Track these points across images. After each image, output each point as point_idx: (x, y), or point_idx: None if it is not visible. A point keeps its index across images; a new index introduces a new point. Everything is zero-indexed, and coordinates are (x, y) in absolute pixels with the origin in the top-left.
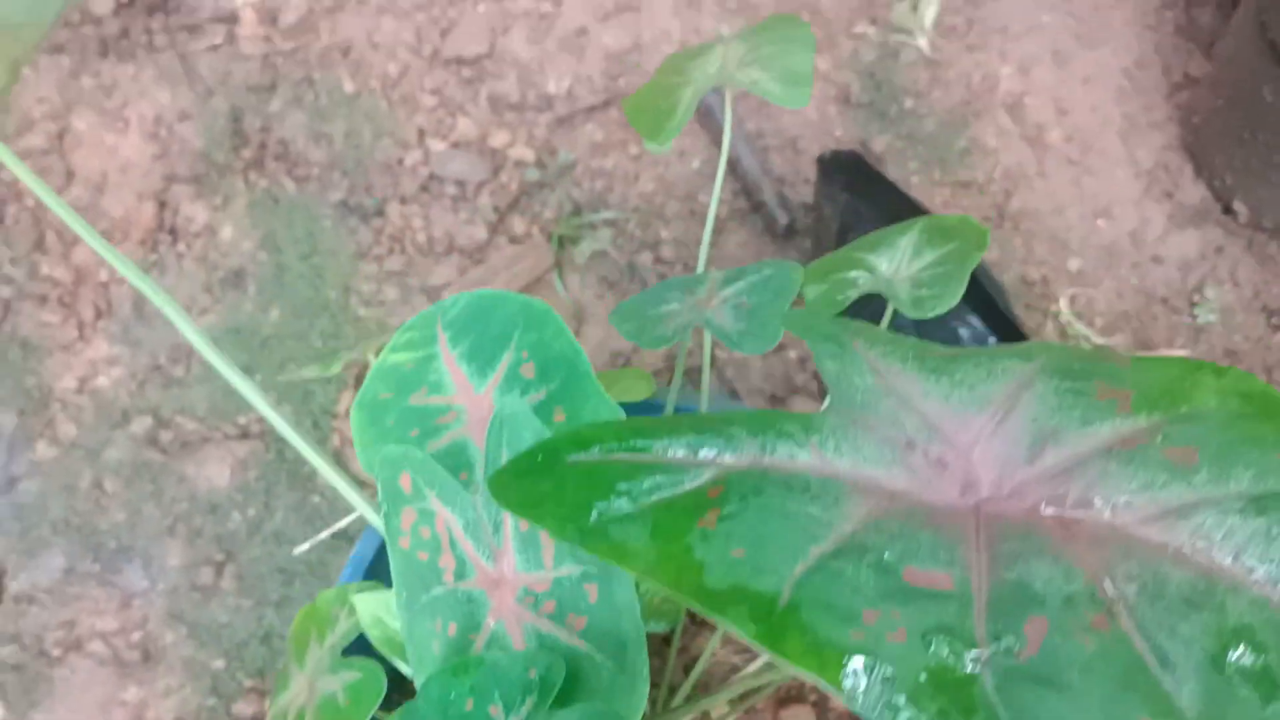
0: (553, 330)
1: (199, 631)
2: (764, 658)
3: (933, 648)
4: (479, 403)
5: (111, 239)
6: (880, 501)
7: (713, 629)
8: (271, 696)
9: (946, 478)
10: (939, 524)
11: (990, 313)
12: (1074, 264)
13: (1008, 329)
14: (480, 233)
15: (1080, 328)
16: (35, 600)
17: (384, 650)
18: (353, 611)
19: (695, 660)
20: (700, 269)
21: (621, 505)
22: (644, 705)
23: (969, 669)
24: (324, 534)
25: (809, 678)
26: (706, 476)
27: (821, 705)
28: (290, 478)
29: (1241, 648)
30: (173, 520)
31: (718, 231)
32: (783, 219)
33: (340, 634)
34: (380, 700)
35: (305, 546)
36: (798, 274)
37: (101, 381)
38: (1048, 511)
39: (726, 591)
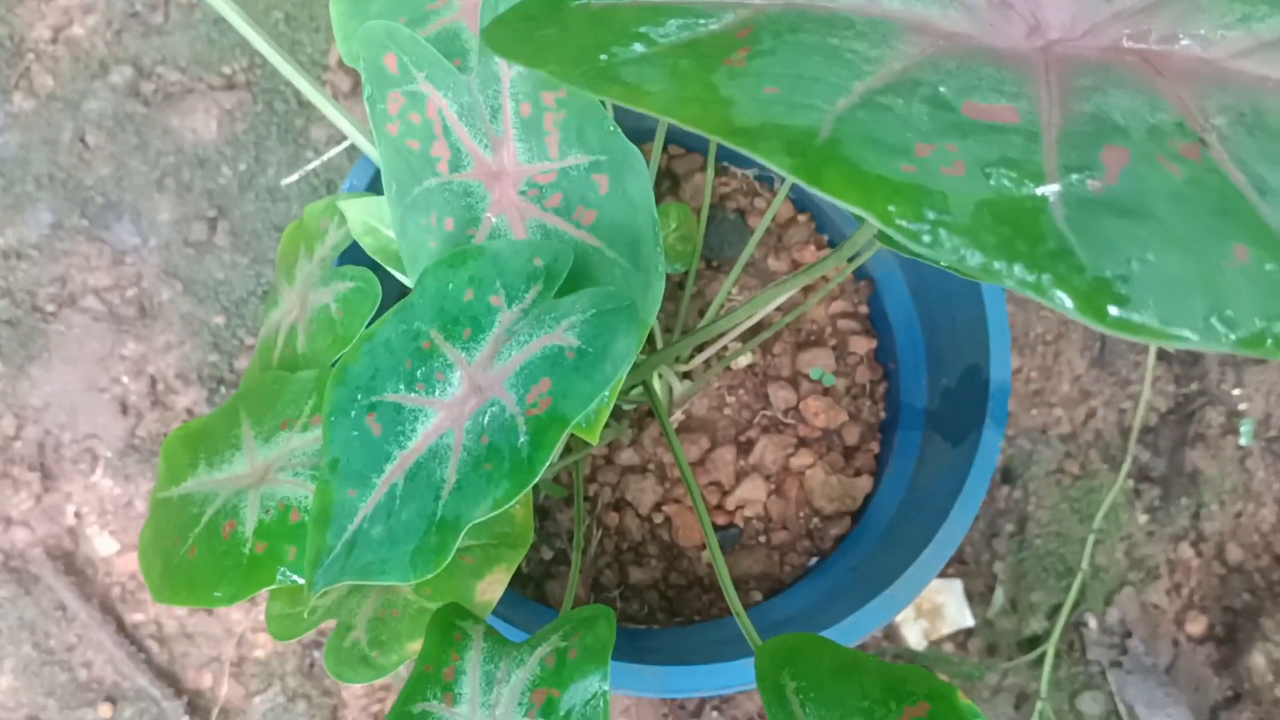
0: None
1: (195, 288)
2: (780, 300)
3: (992, 179)
4: None
5: None
6: (937, 40)
7: (726, 273)
8: (261, 316)
9: (1011, 19)
10: (1007, 64)
11: None
12: None
13: None
14: None
15: None
16: (24, 256)
17: (378, 259)
18: (343, 222)
19: (708, 305)
20: None
21: (637, 49)
22: (659, 302)
23: (1035, 204)
24: (314, 163)
25: (851, 209)
26: (732, 17)
27: (841, 348)
28: (281, 131)
29: None
30: (160, 174)
31: None
32: None
33: (330, 246)
34: (375, 307)
35: (294, 177)
36: None
37: (76, 30)
38: (1129, 46)
39: (758, 128)
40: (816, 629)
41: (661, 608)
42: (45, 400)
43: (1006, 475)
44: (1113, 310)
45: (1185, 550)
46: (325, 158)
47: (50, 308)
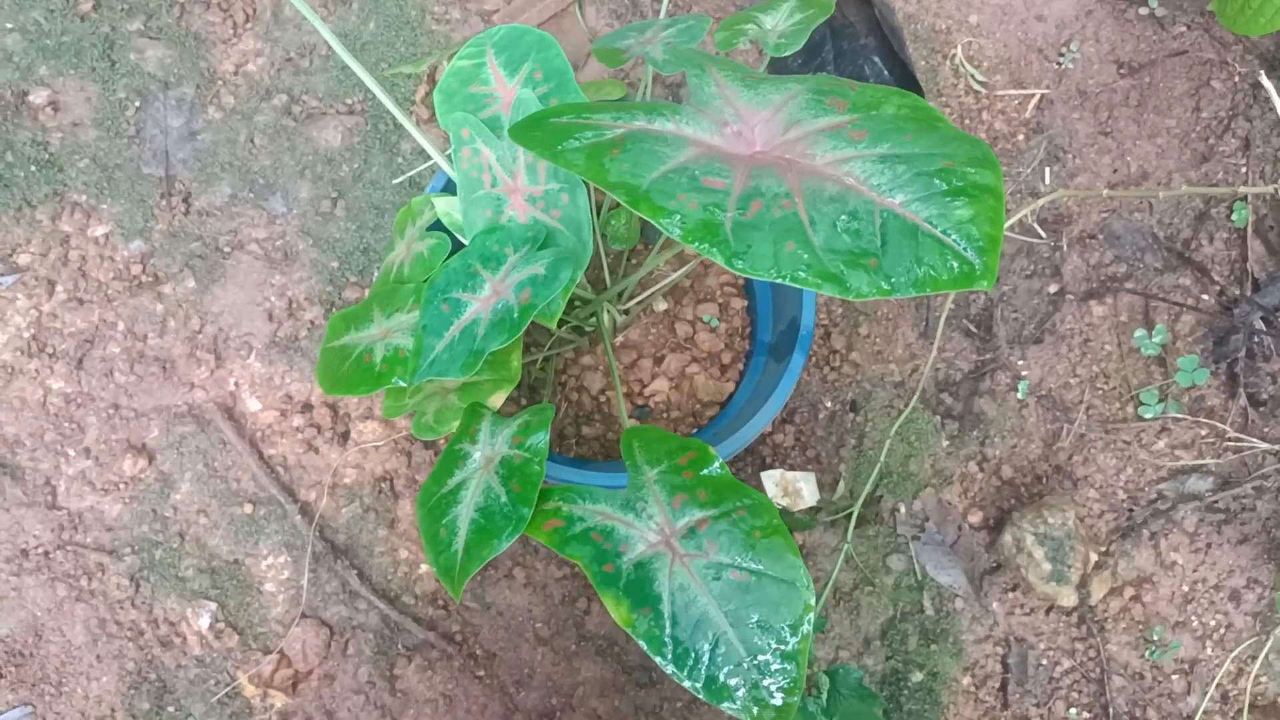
0: (554, 53)
1: (321, 243)
2: (687, 269)
3: (707, 211)
4: (509, 91)
5: None
6: (703, 149)
7: (660, 249)
8: (383, 254)
9: (739, 140)
10: (727, 161)
11: (890, 56)
12: (973, 18)
13: (902, 69)
14: None
15: (969, 69)
16: (211, 214)
17: (451, 229)
18: (433, 208)
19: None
20: (662, 13)
21: (573, 144)
22: (589, 255)
23: (721, 221)
24: (409, 173)
25: (653, 222)
26: (618, 132)
27: (724, 304)
28: (382, 144)
29: (845, 217)
30: (302, 168)
31: None
32: None
33: (425, 220)
34: (448, 253)
35: (397, 180)
36: (706, 24)
37: (250, 67)
38: (783, 159)
39: (618, 182)
40: None
41: (600, 452)
42: (221, 309)
43: (854, 406)
44: (737, 264)
45: (972, 467)
46: (416, 170)
47: (227, 249)
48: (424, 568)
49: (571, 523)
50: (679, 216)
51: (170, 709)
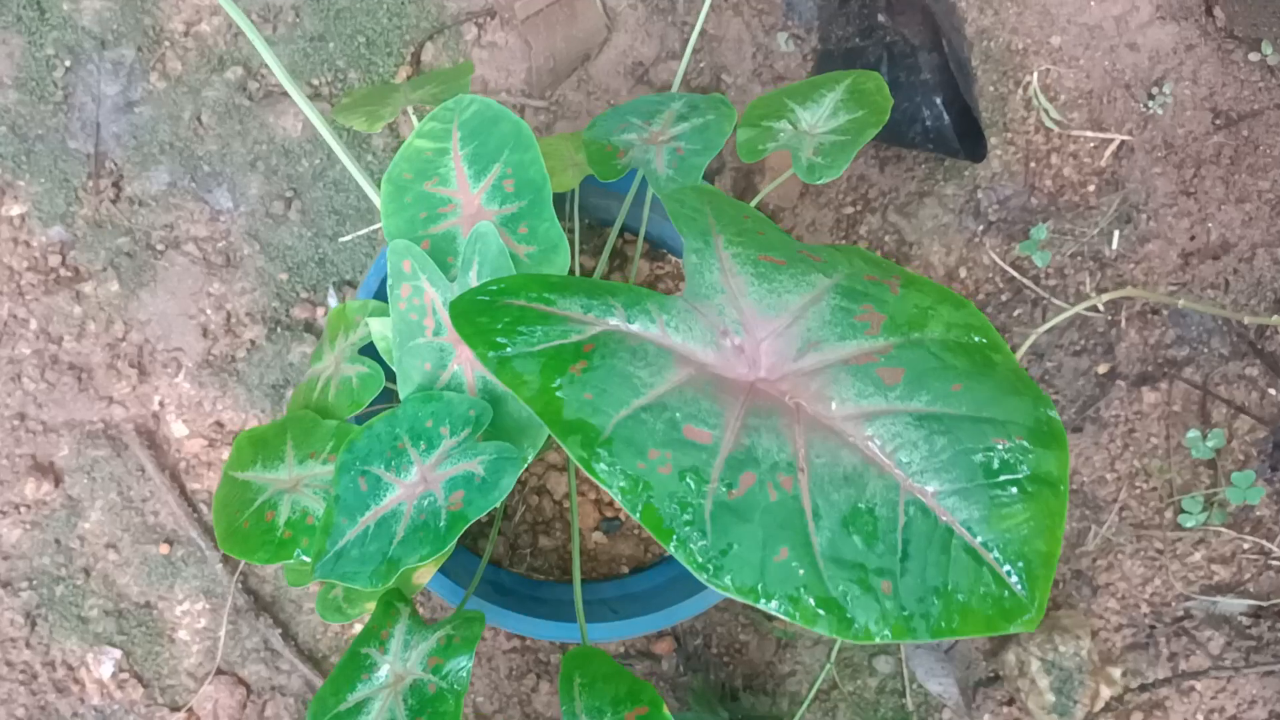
0: (531, 157)
1: (269, 249)
2: None
3: (683, 480)
4: (471, 201)
5: None
6: (693, 370)
7: None
8: (310, 361)
9: (740, 359)
10: (720, 394)
11: (952, 94)
12: (1056, 39)
13: (963, 111)
14: None
15: (1044, 102)
16: (144, 204)
17: (386, 358)
18: (368, 326)
19: None
20: (676, 85)
21: (525, 344)
22: (537, 451)
23: (697, 503)
24: (364, 230)
25: (604, 485)
26: (586, 333)
27: None
28: (350, 137)
29: (860, 508)
30: (254, 158)
31: None
32: None
33: (359, 337)
34: (379, 389)
35: (348, 237)
36: (729, 123)
37: (204, 27)
38: (790, 399)
39: (573, 422)
40: (655, 608)
41: (557, 566)
42: (148, 316)
43: None
44: (709, 576)
45: None
46: (373, 228)
47: (160, 247)
48: (356, 627)
49: None
50: (643, 488)
51: None
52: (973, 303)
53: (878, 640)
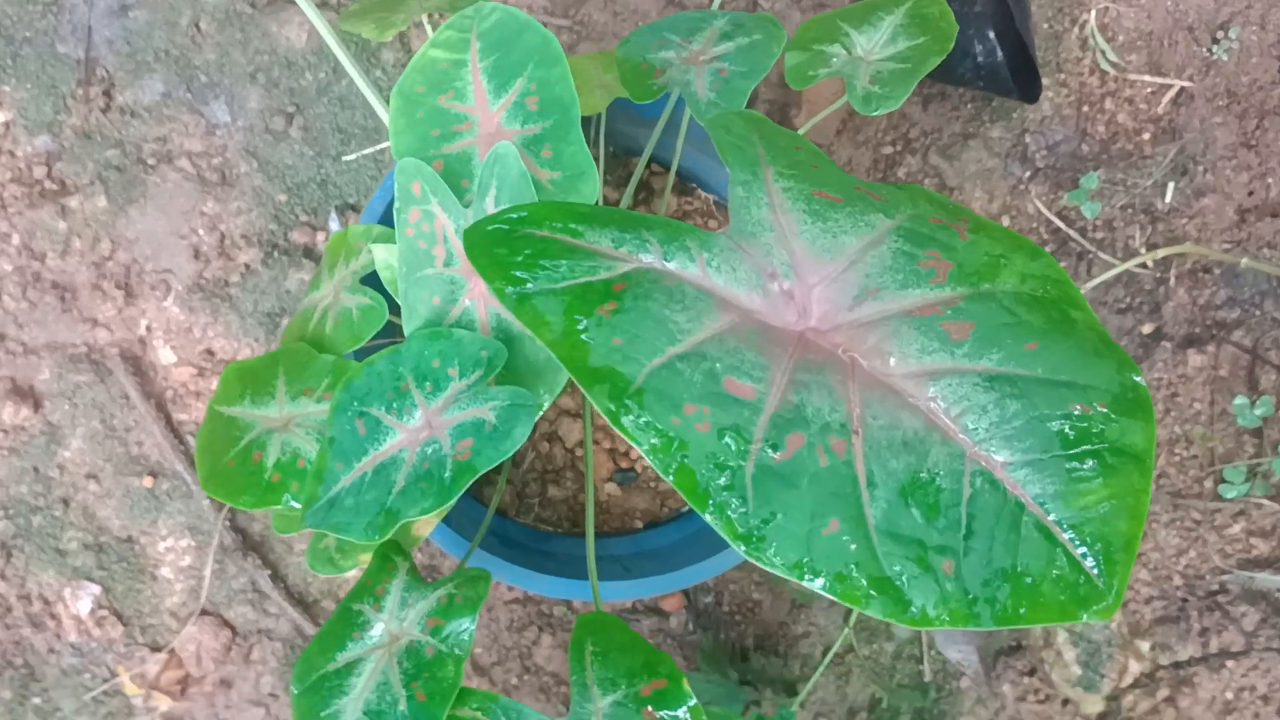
0: (559, 74)
1: (268, 168)
2: None
3: (723, 439)
4: (490, 119)
5: None
6: (735, 316)
7: None
8: (307, 290)
9: (790, 306)
10: (766, 345)
11: (1006, 27)
12: None
13: (1018, 45)
14: None
15: (1101, 42)
16: (137, 115)
17: (389, 289)
18: (370, 252)
19: None
20: (715, 4)
21: (548, 280)
22: (556, 394)
23: (738, 466)
24: (370, 150)
25: (632, 440)
26: (617, 270)
27: None
28: (359, 49)
29: (921, 477)
30: (255, 69)
31: None
32: None
33: (360, 264)
34: (382, 323)
35: (352, 157)
36: (778, 45)
37: None
38: (845, 353)
39: (600, 369)
40: (671, 567)
41: (567, 518)
42: (137, 235)
43: None
44: (750, 548)
45: None
46: (377, 147)
47: (151, 161)
48: (349, 574)
49: None
50: (677, 447)
51: (36, 699)
52: (1049, 253)
53: (936, 626)
